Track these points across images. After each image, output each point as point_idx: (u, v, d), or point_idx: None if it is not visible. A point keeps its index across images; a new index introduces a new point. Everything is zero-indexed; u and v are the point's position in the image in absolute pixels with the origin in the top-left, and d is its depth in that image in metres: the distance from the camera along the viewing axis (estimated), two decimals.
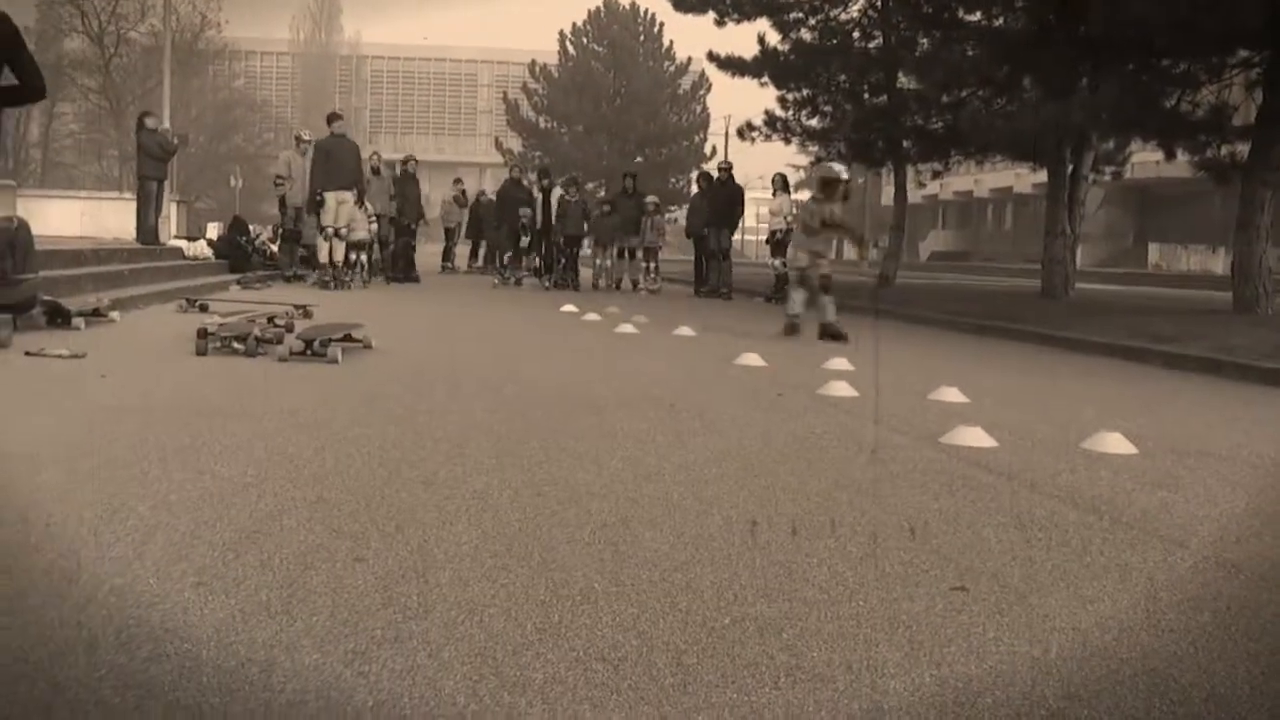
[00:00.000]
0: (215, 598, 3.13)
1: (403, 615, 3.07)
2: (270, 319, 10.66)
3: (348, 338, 9.49)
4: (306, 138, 22.01)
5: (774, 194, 22.68)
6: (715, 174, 24.59)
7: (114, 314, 11.11)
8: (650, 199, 24.38)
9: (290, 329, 10.10)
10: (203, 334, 8.99)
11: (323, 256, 19.06)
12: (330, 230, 18.91)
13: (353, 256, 20.19)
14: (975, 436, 6.24)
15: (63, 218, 22.58)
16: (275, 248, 22.56)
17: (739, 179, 24.14)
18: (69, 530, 3.73)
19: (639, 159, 59.55)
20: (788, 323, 13.07)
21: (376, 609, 3.11)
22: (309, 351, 8.74)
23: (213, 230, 24.71)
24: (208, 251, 21.00)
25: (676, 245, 24.76)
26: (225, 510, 4.06)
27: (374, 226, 21.10)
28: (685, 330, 12.63)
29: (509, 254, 24.48)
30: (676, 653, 2.92)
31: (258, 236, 23.24)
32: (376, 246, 22.27)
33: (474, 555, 3.66)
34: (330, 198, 18.86)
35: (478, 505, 4.31)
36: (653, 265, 24.06)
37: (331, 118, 19.84)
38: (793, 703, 2.68)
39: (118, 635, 2.84)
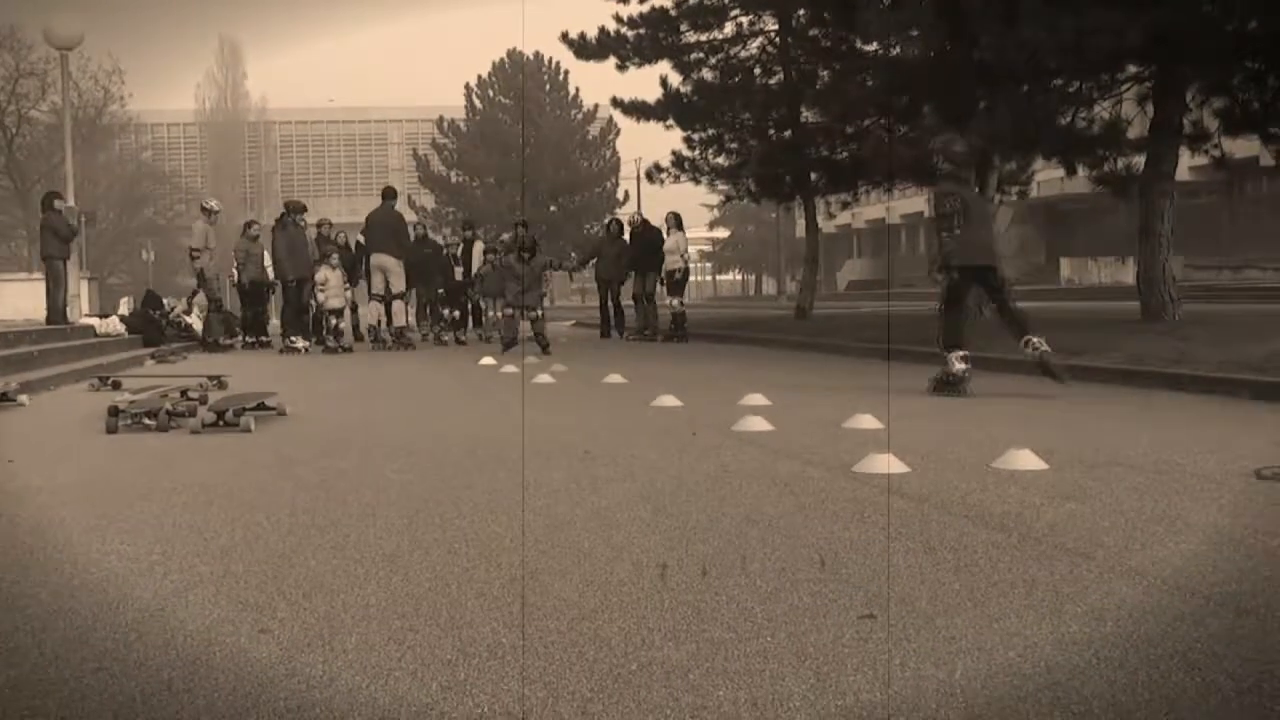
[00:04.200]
0: (115, 681, 3.09)
1: (306, 685, 3.04)
2: (183, 392, 10.54)
3: (261, 406, 9.42)
4: (214, 207, 21.91)
5: (668, 232, 22.57)
6: (627, 221, 24.55)
7: (22, 398, 10.94)
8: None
9: (204, 401, 10.01)
10: (113, 411, 8.90)
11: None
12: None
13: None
14: (887, 463, 6.29)
15: None
16: (190, 319, 22.35)
17: (654, 221, 24.04)
18: None
19: (552, 208, 59.80)
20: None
21: (280, 680, 3.08)
22: (222, 423, 8.66)
23: (125, 305, 24.45)
24: (120, 328, 20.75)
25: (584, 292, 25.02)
26: (129, 590, 4.01)
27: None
28: (601, 377, 12.63)
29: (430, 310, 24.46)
30: (582, 701, 2.92)
31: (172, 309, 23.00)
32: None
33: (382, 618, 3.63)
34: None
35: (388, 567, 4.28)
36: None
37: (388, 192, 21.49)
38: None
39: None
